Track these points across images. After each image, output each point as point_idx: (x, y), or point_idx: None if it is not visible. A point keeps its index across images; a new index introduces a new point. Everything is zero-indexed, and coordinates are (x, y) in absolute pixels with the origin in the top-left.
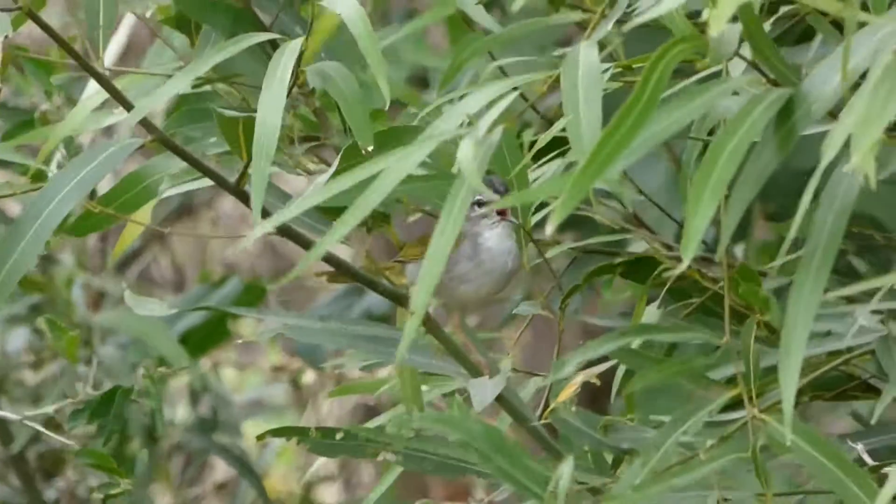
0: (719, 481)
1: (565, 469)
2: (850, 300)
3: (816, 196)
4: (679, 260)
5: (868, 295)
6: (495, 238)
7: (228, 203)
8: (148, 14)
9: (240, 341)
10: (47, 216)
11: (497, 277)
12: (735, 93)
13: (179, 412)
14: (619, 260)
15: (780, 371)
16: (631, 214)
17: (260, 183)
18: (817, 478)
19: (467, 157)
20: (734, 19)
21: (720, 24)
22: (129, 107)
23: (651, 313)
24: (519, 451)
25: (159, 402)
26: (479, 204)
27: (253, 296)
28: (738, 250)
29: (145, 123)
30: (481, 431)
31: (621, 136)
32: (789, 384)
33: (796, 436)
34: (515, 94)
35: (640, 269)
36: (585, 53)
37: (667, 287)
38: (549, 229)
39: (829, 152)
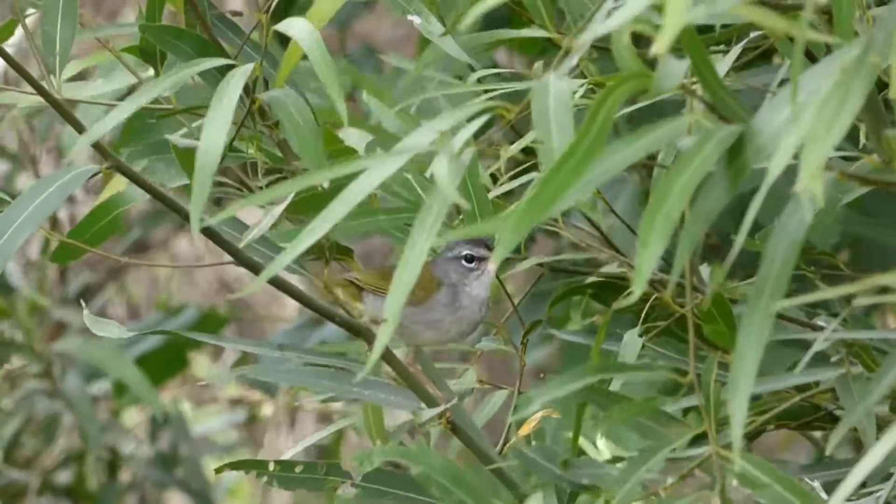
0: None
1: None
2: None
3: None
4: (648, 282)
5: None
6: (478, 287)
7: (183, 243)
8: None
9: (200, 384)
10: (3, 244)
11: (467, 326)
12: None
13: (134, 446)
14: (589, 280)
15: (729, 401)
16: (601, 235)
17: (198, 204)
18: None
19: (443, 170)
20: (680, 53)
21: (666, 42)
22: (83, 131)
23: (629, 339)
24: (479, 486)
25: None
26: (469, 259)
27: (210, 326)
28: (705, 271)
29: (101, 150)
30: (442, 465)
31: (565, 175)
32: (739, 414)
33: (761, 472)
34: (488, 115)
35: (611, 290)
36: (555, 81)
37: (644, 313)
38: (492, 269)
39: (774, 171)
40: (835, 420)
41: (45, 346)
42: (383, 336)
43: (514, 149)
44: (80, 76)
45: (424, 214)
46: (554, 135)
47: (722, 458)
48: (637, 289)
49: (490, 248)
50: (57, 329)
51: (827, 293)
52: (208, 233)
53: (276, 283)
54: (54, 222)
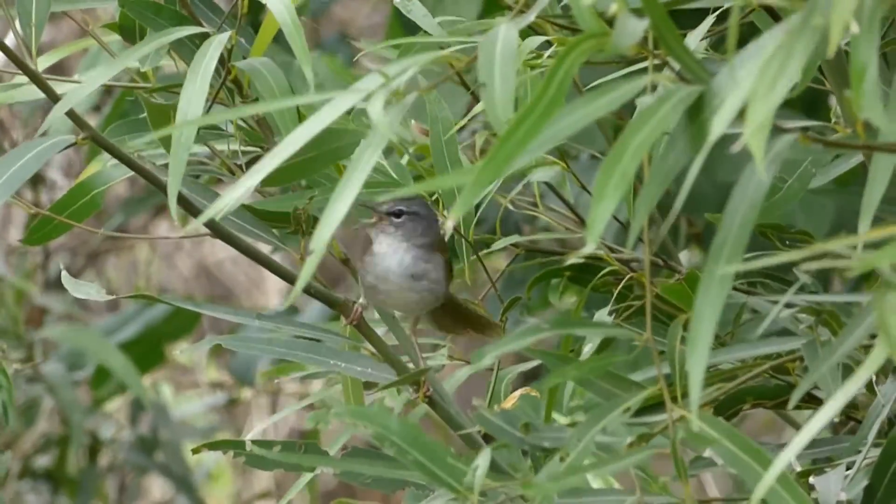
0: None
1: (482, 460)
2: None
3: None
4: (624, 263)
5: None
6: (381, 245)
7: (162, 230)
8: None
9: (180, 351)
10: None
11: (393, 285)
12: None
13: (114, 430)
14: (567, 262)
15: (687, 361)
16: (577, 218)
17: (177, 171)
18: (736, 471)
19: (377, 109)
20: (639, 13)
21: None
22: (58, 100)
23: (602, 317)
24: (436, 447)
25: (11, 394)
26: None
27: (186, 315)
28: (684, 256)
29: (78, 122)
30: (398, 426)
31: (525, 131)
32: (697, 372)
33: (715, 431)
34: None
35: (589, 272)
36: (505, 31)
37: (617, 291)
38: (450, 225)
39: (717, 129)
40: (812, 399)
41: (26, 330)
42: (309, 266)
43: (478, 109)
44: (62, 69)
45: (359, 154)
46: (496, 78)
47: (679, 418)
48: (589, 244)
49: (392, 210)
50: (37, 314)
51: (778, 258)
52: (184, 203)
53: (256, 257)
54: (36, 207)
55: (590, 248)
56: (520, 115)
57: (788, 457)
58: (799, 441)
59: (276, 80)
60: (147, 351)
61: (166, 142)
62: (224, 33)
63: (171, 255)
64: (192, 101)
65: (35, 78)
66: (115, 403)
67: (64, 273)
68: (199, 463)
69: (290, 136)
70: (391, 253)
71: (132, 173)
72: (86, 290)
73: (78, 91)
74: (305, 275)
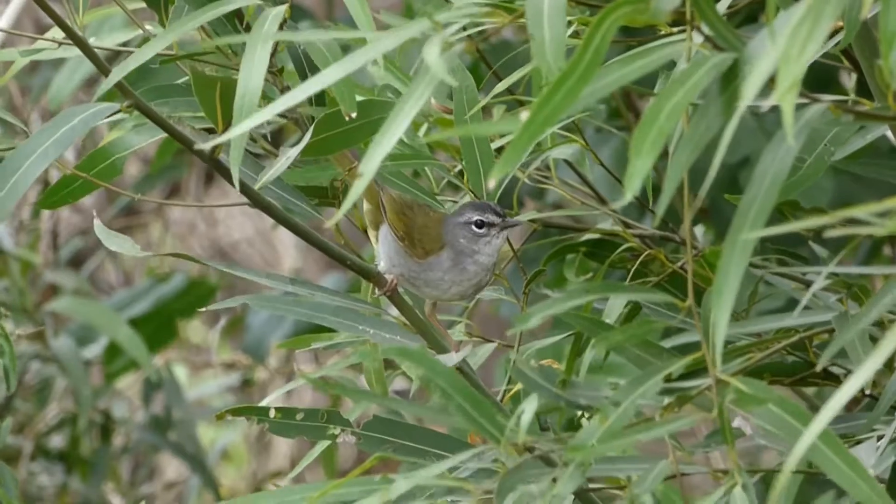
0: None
1: (529, 404)
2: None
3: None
4: (640, 238)
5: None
6: (486, 254)
7: (176, 209)
8: None
9: (204, 309)
10: (22, 174)
11: (469, 288)
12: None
13: (127, 409)
14: (583, 238)
15: (712, 314)
16: (594, 193)
17: (238, 148)
18: (780, 433)
19: (433, 52)
20: None
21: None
22: (106, 71)
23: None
24: (479, 398)
25: (13, 359)
26: (479, 225)
27: (199, 293)
28: (699, 232)
29: (121, 88)
30: (444, 370)
31: (566, 91)
32: (721, 327)
33: (751, 389)
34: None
35: (604, 248)
36: None
37: (634, 267)
38: (492, 184)
39: (748, 94)
40: (829, 376)
41: (37, 308)
42: (356, 189)
43: (515, 78)
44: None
45: (412, 89)
46: (546, 29)
47: (719, 382)
48: (629, 191)
49: (499, 213)
50: (49, 292)
51: (803, 224)
52: (220, 168)
53: (290, 225)
54: (46, 185)
55: (627, 198)
56: (558, 79)
57: (829, 415)
58: (838, 400)
59: (331, 51)
60: (159, 327)
61: (210, 111)
62: (280, 6)
63: (186, 235)
64: (253, 71)
65: (83, 46)
66: (128, 383)
67: (97, 222)
68: (213, 443)
69: (330, 67)
70: (488, 265)
71: (155, 139)
72: (120, 243)
73: (129, 61)
74: (353, 195)
